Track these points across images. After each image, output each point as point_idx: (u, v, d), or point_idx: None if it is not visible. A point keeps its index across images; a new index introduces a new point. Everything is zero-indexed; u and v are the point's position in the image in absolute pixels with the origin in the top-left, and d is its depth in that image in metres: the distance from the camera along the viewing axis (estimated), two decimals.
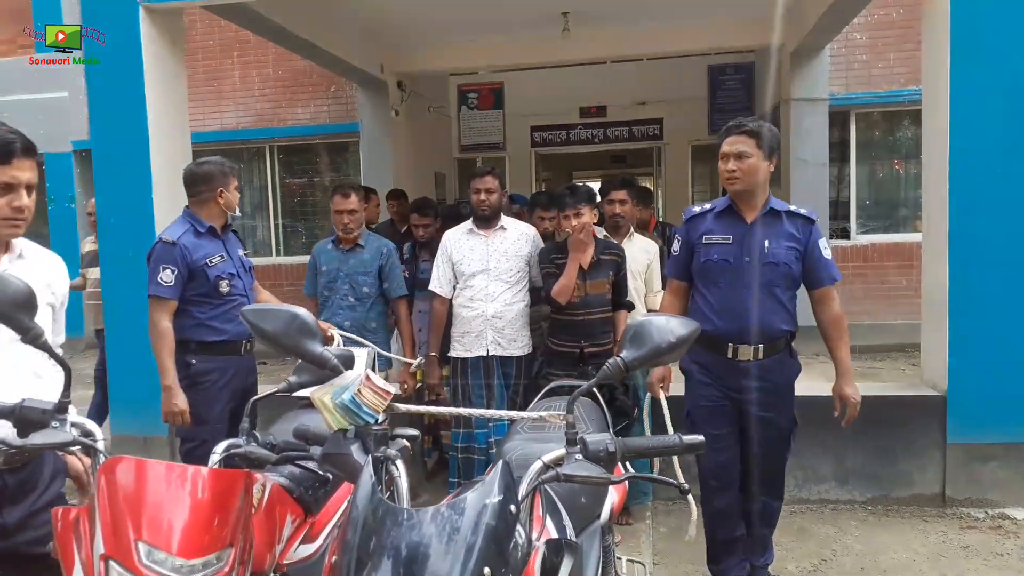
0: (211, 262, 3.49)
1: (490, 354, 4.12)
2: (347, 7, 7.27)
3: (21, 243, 2.16)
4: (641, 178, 15.06)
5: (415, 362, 4.32)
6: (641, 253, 4.40)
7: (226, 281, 3.53)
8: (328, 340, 3.81)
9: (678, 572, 3.76)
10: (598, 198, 4.49)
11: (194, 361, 3.47)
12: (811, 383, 3.82)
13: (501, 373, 4.11)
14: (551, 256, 4.13)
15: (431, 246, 4.84)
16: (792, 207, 3.17)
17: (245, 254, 3.77)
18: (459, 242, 4.24)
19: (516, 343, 4.16)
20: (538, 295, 4.23)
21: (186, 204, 3.64)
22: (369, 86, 8.96)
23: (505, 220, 4.27)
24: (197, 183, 3.59)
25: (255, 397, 1.99)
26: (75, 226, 9.86)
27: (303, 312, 1.73)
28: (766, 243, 3.04)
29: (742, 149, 3.04)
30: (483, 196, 4.16)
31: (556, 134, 11.97)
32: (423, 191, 10.07)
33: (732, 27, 8.54)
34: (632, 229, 4.44)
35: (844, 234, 9.14)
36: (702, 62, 10.96)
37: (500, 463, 1.40)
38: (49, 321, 2.20)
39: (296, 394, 2.76)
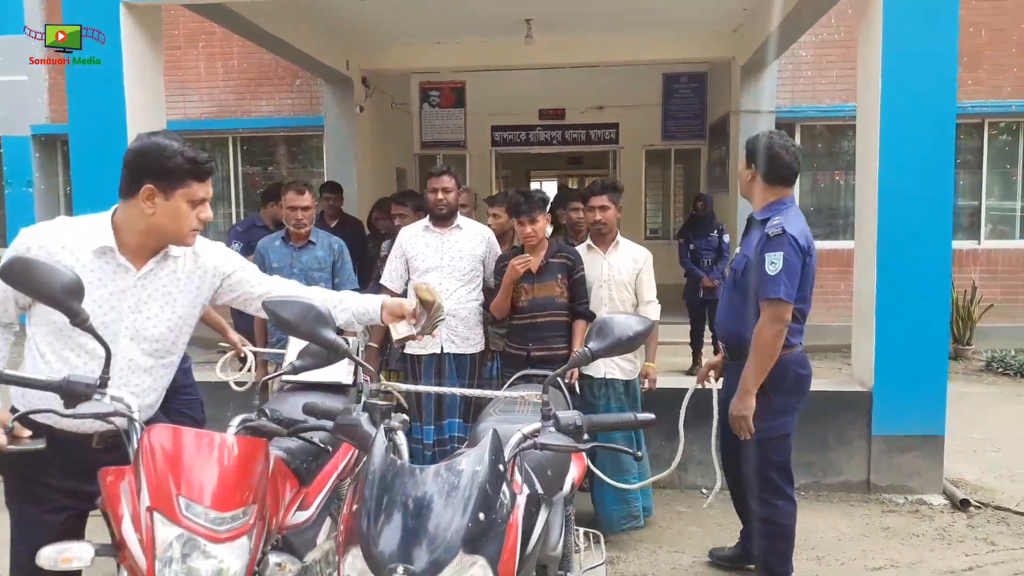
0: None
1: (444, 351, 4.13)
2: (315, 5, 7.41)
3: None
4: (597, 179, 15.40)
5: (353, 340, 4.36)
6: (628, 262, 4.13)
7: None
8: (240, 356, 3.80)
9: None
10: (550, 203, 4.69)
11: None
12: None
13: (455, 370, 4.16)
14: (502, 263, 4.16)
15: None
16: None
17: None
18: (414, 238, 4.23)
19: (469, 341, 4.17)
20: (491, 296, 4.27)
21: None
22: (334, 81, 9.09)
23: (461, 220, 4.26)
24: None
25: (265, 377, 2.25)
26: (32, 210, 9.82)
27: (319, 303, 1.98)
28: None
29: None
30: (440, 195, 4.15)
31: (516, 134, 12.17)
32: (385, 185, 10.25)
33: (686, 40, 8.90)
34: (618, 236, 4.21)
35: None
36: (657, 71, 11.30)
37: (491, 431, 1.69)
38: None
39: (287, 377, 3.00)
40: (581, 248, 4.25)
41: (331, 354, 2.04)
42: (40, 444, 1.94)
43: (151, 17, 5.41)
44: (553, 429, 1.86)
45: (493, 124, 12.04)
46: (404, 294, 4.29)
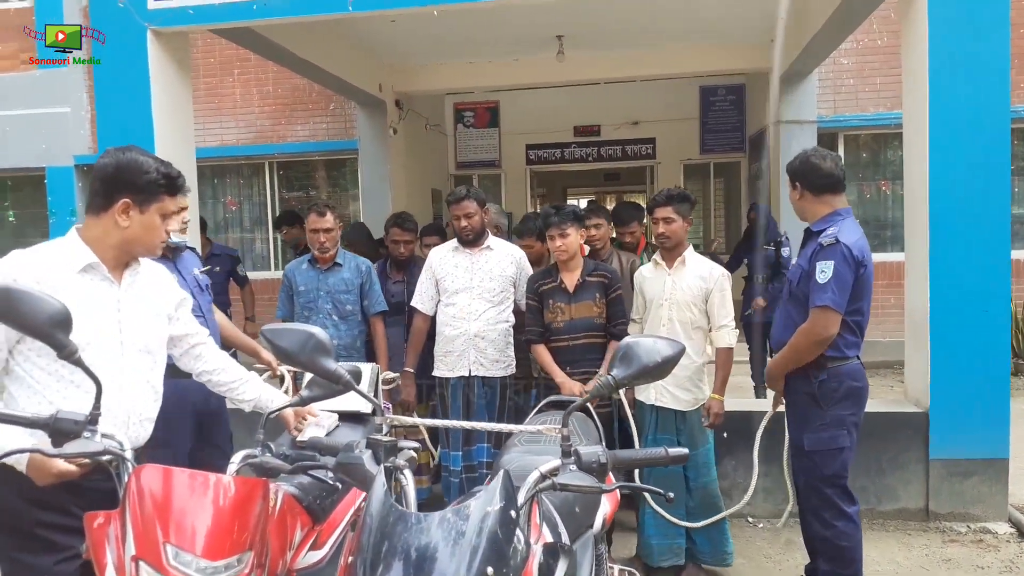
0: None
1: (472, 374, 4.07)
2: (347, 29, 7.42)
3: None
4: (634, 195, 15.28)
5: (390, 376, 4.24)
6: (694, 280, 3.83)
7: None
8: (276, 375, 3.73)
9: None
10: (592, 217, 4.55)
11: None
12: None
13: (483, 394, 4.08)
14: (537, 284, 4.07)
15: (407, 267, 4.80)
16: None
17: (204, 271, 3.74)
18: (444, 259, 4.21)
19: (499, 363, 4.11)
20: (521, 317, 4.19)
21: None
22: (368, 104, 9.11)
23: (492, 240, 4.24)
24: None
25: (270, 410, 2.12)
26: None
27: (318, 331, 1.85)
28: None
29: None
30: (464, 222, 4.11)
31: (551, 152, 12.13)
32: (420, 206, 10.24)
33: (723, 51, 8.73)
34: (686, 252, 3.90)
35: None
36: (694, 84, 11.14)
37: (502, 472, 1.52)
38: (166, 332, 2.38)
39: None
40: (649, 265, 4.06)
41: (339, 385, 1.89)
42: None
43: (178, 43, 5.41)
44: (574, 467, 1.69)
45: (528, 143, 12.01)
46: (435, 316, 4.20)
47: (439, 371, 4.15)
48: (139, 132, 5.12)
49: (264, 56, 7.21)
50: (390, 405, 4.01)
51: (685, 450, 1.74)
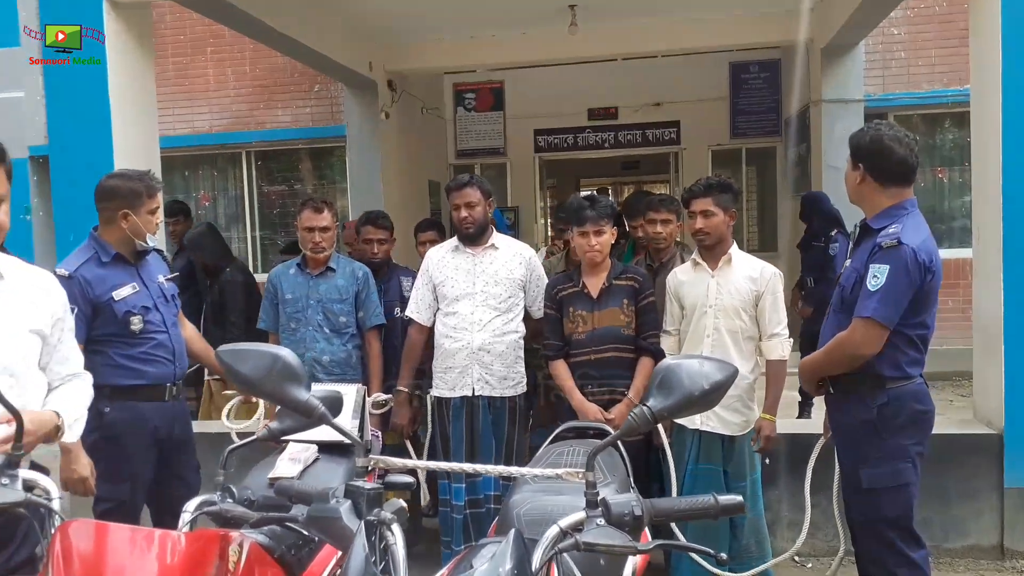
0: (118, 296, 3.36)
1: (476, 394, 3.92)
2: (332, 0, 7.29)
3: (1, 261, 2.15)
4: (655, 186, 15.13)
5: (381, 398, 4.12)
6: (743, 283, 3.67)
7: (138, 317, 3.38)
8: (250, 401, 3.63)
9: None
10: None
11: (107, 409, 3.32)
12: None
13: (489, 417, 3.94)
14: (555, 289, 3.89)
15: (382, 269, 4.68)
16: None
17: (170, 279, 3.64)
18: (442, 261, 4.08)
19: (507, 381, 3.95)
20: (536, 327, 4.05)
21: (95, 226, 3.49)
22: (356, 86, 8.98)
23: (497, 237, 4.10)
24: (100, 200, 3.43)
25: (231, 447, 1.95)
26: (31, 239, 9.83)
27: (286, 353, 1.69)
28: None
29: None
30: (464, 212, 3.97)
31: (562, 138, 12.02)
32: (416, 200, 10.10)
33: (756, 21, 8.56)
34: (731, 249, 3.74)
35: None
36: (723, 59, 11.00)
37: (512, 532, 1.35)
38: (36, 351, 2.20)
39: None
40: (686, 265, 3.89)
41: (311, 419, 1.72)
42: None
43: (140, 16, 5.30)
44: (602, 520, 1.52)
45: (536, 127, 11.91)
46: (433, 327, 4.05)
47: (438, 391, 4.00)
48: (94, 119, 4.99)
49: (240, 32, 7.10)
50: (379, 433, 3.85)
51: (739, 498, 1.58)
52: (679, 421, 3.70)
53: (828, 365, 3.12)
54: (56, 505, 1.65)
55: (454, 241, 4.10)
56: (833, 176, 8.29)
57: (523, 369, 4.03)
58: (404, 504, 1.65)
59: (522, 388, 4.02)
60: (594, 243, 3.71)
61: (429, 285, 4.09)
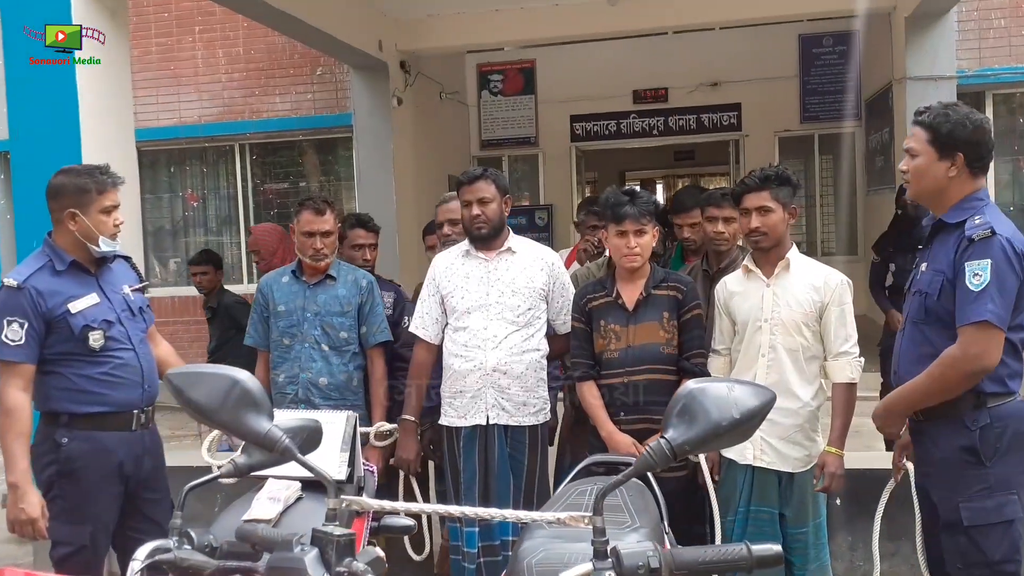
0: (74, 308, 3.35)
1: (491, 422, 3.87)
2: None
3: None
4: (713, 179, 15.07)
5: (385, 428, 4.12)
6: (805, 292, 3.62)
7: (99, 332, 3.38)
8: None
9: None
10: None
11: (65, 440, 3.32)
12: None
13: (506, 450, 3.90)
14: (585, 299, 3.85)
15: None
16: None
17: (141, 288, 3.66)
18: (451, 268, 4.05)
19: (527, 407, 3.91)
20: (561, 346, 4.05)
21: (49, 231, 3.50)
22: (364, 68, 9.02)
23: (515, 240, 4.06)
24: (49, 199, 3.43)
25: (191, 484, 1.94)
26: None
27: (245, 377, 1.68)
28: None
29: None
30: (476, 210, 3.93)
31: (603, 125, 12.06)
32: (433, 198, 9.94)
33: None
34: (790, 253, 3.69)
35: None
36: (791, 32, 11.03)
37: None
38: None
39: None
40: (736, 273, 3.83)
41: (275, 453, 1.71)
42: None
43: None
44: (611, 574, 1.51)
45: (573, 113, 11.97)
46: (441, 344, 4.06)
47: (447, 418, 3.97)
48: (59, 109, 5.05)
49: (232, 8, 7.15)
50: (374, 468, 3.83)
51: (776, 548, 1.54)
52: (728, 455, 3.65)
53: (938, 391, 3.01)
54: None
55: (465, 245, 4.07)
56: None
57: (546, 393, 4.00)
58: (381, 554, 1.63)
59: (544, 416, 3.99)
60: (634, 244, 3.66)
61: (436, 296, 4.06)
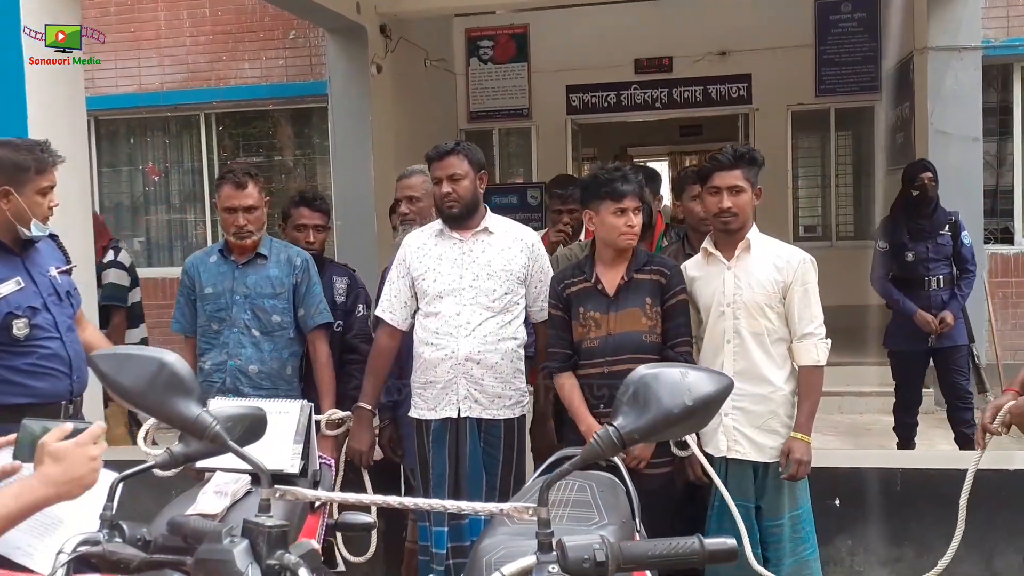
0: None
1: (462, 415, 3.91)
2: None
3: None
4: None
5: (337, 415, 4.13)
6: (767, 272, 3.75)
7: (23, 320, 3.43)
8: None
9: None
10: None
11: None
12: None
13: (480, 446, 3.93)
14: (562, 284, 3.94)
15: (320, 263, 4.71)
16: None
17: (68, 271, 3.69)
18: (423, 248, 4.09)
19: (502, 400, 3.95)
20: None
21: None
22: (341, 32, 9.03)
23: (492, 219, 4.10)
24: None
25: (122, 475, 1.99)
26: None
27: (173, 359, 1.73)
28: None
29: None
30: (447, 187, 3.96)
31: (602, 96, 12.06)
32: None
33: None
34: (750, 234, 3.81)
35: (1006, 236, 9.04)
36: None
37: None
38: None
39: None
40: (696, 258, 3.97)
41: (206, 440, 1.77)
42: None
43: None
44: (555, 567, 1.57)
45: (569, 83, 11.96)
46: (411, 329, 4.13)
47: (417, 410, 4.02)
48: (3, 69, 5.08)
49: None
50: (331, 461, 3.88)
51: (731, 542, 1.61)
52: (705, 449, 3.75)
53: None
54: None
55: (438, 224, 4.11)
56: (941, 143, 8.24)
57: (524, 385, 4.06)
58: (315, 546, 1.69)
59: (521, 409, 4.04)
60: (635, 222, 3.78)
61: (407, 278, 4.09)
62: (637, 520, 2.79)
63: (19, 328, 3.41)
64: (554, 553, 1.60)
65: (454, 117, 11.89)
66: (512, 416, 4.00)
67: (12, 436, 2.29)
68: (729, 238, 3.79)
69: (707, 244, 3.87)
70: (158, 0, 10.04)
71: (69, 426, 2.01)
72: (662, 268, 3.87)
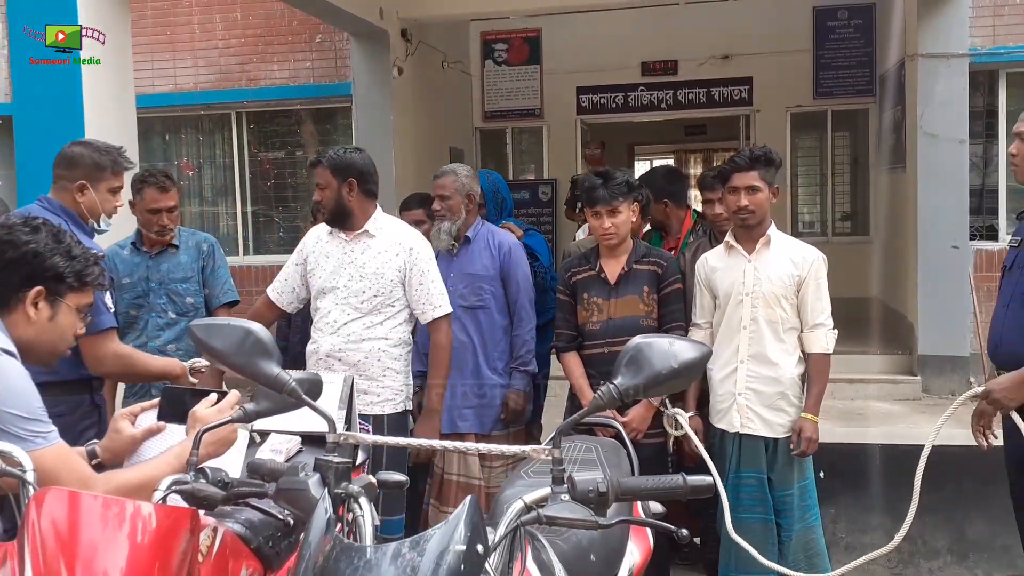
0: None
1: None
2: None
3: None
4: (725, 155, 15.21)
5: (199, 363, 3.99)
6: (784, 267, 3.97)
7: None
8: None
9: None
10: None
11: None
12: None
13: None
14: (569, 272, 4.23)
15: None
16: None
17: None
18: (318, 244, 4.15)
19: (367, 396, 3.98)
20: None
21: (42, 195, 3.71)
22: (364, 36, 9.23)
23: (377, 223, 4.09)
24: (59, 165, 3.67)
25: (205, 427, 2.30)
26: None
27: (258, 328, 2.04)
28: None
29: None
30: (316, 195, 4.09)
31: (610, 98, 12.16)
32: (434, 171, 10.29)
33: None
34: (770, 230, 4.03)
35: (991, 234, 9.17)
36: (805, 3, 11.09)
37: (468, 498, 1.69)
38: None
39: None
40: (718, 249, 4.19)
41: (284, 394, 2.07)
42: None
43: None
44: (567, 496, 1.84)
45: (579, 85, 12.06)
46: (298, 315, 4.38)
47: (364, 406, 4.03)
48: (61, 70, 5.31)
49: None
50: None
51: (708, 479, 1.88)
52: (719, 426, 4.02)
53: None
54: (30, 476, 2.01)
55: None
56: (930, 146, 8.39)
57: (400, 384, 4.10)
58: (373, 480, 2.00)
59: (394, 407, 4.08)
60: (608, 225, 4.02)
61: (301, 266, 4.18)
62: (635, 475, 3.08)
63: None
64: (566, 486, 1.87)
65: (470, 117, 12.00)
66: (381, 413, 4.03)
67: (155, 400, 2.59)
68: (748, 233, 4.01)
69: (729, 238, 4.09)
70: (192, 4, 10.17)
71: (214, 396, 2.36)
72: (659, 260, 4.16)
